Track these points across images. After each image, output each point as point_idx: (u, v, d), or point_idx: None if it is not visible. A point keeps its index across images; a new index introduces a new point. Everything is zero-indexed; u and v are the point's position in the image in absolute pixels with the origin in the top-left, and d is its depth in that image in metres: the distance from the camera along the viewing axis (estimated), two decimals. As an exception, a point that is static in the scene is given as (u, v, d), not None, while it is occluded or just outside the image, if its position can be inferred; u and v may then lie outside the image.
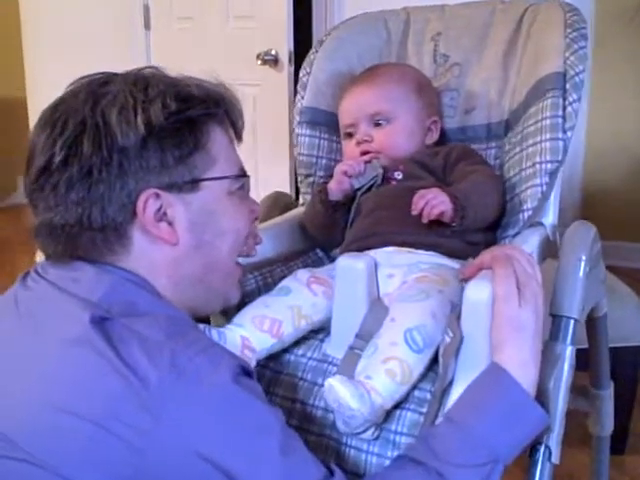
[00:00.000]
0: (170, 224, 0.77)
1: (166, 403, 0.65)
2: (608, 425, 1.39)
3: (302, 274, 0.98)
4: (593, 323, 1.20)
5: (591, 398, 1.36)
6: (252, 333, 0.90)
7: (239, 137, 0.87)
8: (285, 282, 0.98)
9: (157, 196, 0.76)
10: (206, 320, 0.98)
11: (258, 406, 0.70)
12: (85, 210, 0.74)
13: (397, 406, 0.85)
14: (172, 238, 0.78)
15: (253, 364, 0.90)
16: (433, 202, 0.95)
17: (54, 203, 0.75)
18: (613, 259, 2.64)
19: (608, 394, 1.36)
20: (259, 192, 1.39)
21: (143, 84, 0.77)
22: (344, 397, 0.78)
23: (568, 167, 3.17)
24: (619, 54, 3.09)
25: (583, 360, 1.31)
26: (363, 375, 0.83)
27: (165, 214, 0.77)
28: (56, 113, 0.76)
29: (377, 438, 0.83)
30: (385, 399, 0.81)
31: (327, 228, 1.13)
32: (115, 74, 0.80)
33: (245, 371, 0.71)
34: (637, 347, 1.77)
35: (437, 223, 0.97)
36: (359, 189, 1.09)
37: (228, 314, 0.98)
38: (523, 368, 0.78)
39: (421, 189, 1.03)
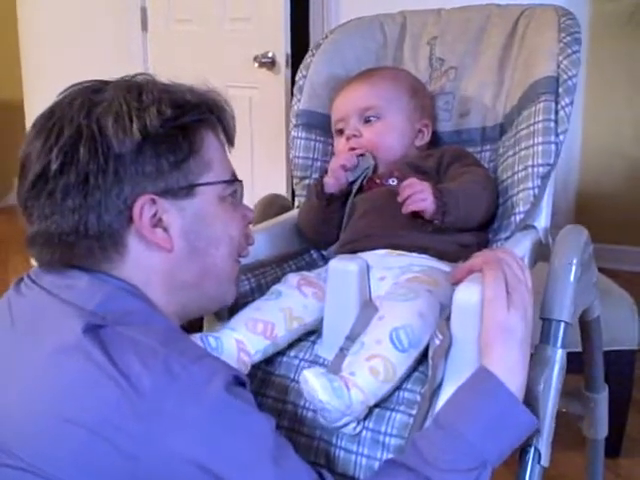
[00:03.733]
0: (165, 230, 0.78)
1: (159, 410, 0.65)
2: (602, 428, 1.39)
3: (292, 277, 0.99)
4: (586, 326, 1.20)
5: (585, 401, 1.36)
6: (246, 336, 0.90)
7: (231, 142, 0.87)
8: (276, 286, 0.98)
9: (153, 202, 0.76)
10: (199, 323, 0.98)
11: (251, 415, 0.70)
12: (82, 217, 0.74)
13: (387, 408, 0.85)
14: (167, 244, 0.78)
15: (249, 368, 0.90)
16: (416, 197, 0.96)
17: (50, 211, 0.75)
18: (608, 262, 2.64)
19: (602, 397, 1.36)
20: (255, 194, 1.39)
21: (137, 91, 0.78)
22: (314, 388, 0.79)
23: (564, 171, 3.18)
24: (614, 57, 3.09)
25: (578, 363, 1.32)
26: (347, 371, 0.83)
27: (161, 220, 0.77)
28: (50, 121, 0.76)
29: (359, 434, 0.84)
30: (367, 396, 0.81)
31: (321, 223, 1.13)
32: (107, 82, 0.80)
33: (239, 381, 0.72)
34: (632, 350, 1.77)
35: (420, 218, 0.98)
36: (353, 182, 1.10)
37: (220, 315, 0.98)
38: (511, 372, 0.78)
39: None
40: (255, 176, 2.63)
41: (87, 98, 0.77)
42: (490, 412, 0.76)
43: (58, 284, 0.76)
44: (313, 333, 0.97)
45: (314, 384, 0.79)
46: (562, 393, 0.86)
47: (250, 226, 0.93)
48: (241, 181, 0.87)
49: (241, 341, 0.90)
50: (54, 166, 0.74)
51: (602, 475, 1.47)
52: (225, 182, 0.83)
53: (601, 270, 1.90)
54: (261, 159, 2.63)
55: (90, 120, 0.75)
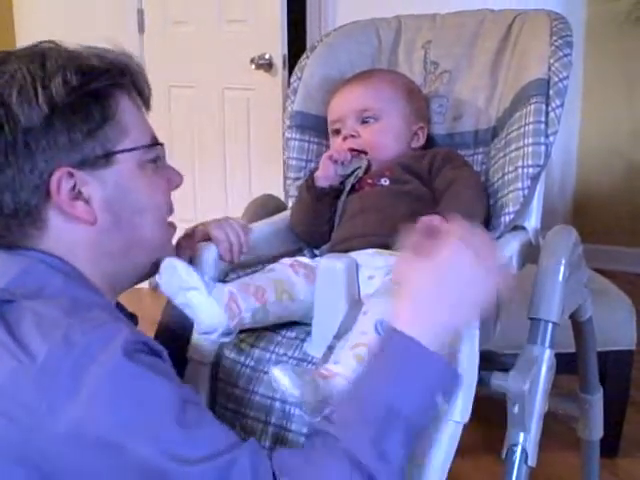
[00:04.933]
0: (87, 202, 0.77)
1: (55, 379, 0.65)
2: (597, 430, 1.39)
3: (285, 259, 1.01)
4: (579, 327, 1.21)
5: (580, 402, 1.36)
6: (239, 292, 0.89)
7: (147, 105, 0.85)
8: (270, 265, 1.00)
9: (70, 175, 0.75)
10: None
11: (151, 381, 0.67)
12: None
13: None
14: (89, 217, 0.77)
15: (235, 322, 0.88)
16: None
17: None
18: (605, 262, 2.65)
19: (597, 399, 1.36)
20: (252, 194, 1.40)
21: (40, 60, 0.74)
22: (283, 384, 0.79)
23: (561, 171, 3.18)
24: (611, 57, 3.09)
25: (573, 364, 1.32)
26: (332, 361, 0.84)
27: (80, 192, 0.76)
28: None
29: None
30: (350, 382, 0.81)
31: (311, 219, 1.14)
32: (9, 52, 0.77)
33: (150, 348, 0.70)
34: (630, 351, 1.77)
35: None
36: (345, 177, 1.10)
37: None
38: (421, 323, 0.73)
39: (407, 193, 1.05)
40: (252, 176, 2.65)
41: None
42: (394, 363, 0.72)
43: None
44: (302, 331, 0.97)
45: (282, 380, 0.79)
46: (557, 394, 0.86)
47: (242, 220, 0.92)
48: (162, 144, 0.85)
49: (234, 293, 0.89)
50: None
51: (598, 476, 1.47)
52: (144, 147, 0.81)
53: (598, 271, 1.91)
54: (258, 160, 2.64)
55: None
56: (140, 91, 0.83)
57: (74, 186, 0.75)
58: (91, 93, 0.75)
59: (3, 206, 0.74)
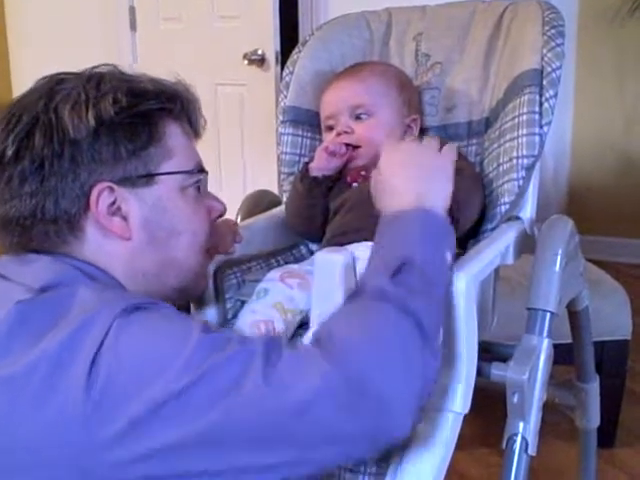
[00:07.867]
0: (124, 219, 0.79)
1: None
2: (594, 419, 1.40)
3: (274, 273, 1.00)
4: (575, 316, 1.21)
5: (577, 392, 1.36)
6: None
7: (197, 134, 0.88)
8: (260, 285, 0.99)
9: (111, 190, 0.77)
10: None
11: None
12: (39, 202, 0.76)
13: None
14: (125, 233, 0.79)
15: None
16: None
17: (9, 196, 0.77)
18: (599, 253, 2.66)
19: (593, 387, 1.36)
20: (246, 190, 1.40)
21: (97, 80, 0.79)
22: None
23: (555, 163, 3.19)
24: (604, 49, 3.11)
25: (569, 354, 1.32)
26: None
27: (119, 209, 0.78)
28: (12, 110, 0.78)
29: None
30: None
31: (305, 210, 1.13)
32: (72, 73, 0.81)
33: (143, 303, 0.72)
34: (625, 340, 1.79)
35: None
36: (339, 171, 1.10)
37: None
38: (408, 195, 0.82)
39: None
40: (246, 172, 2.64)
41: (49, 88, 0.79)
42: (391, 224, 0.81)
43: (15, 268, 0.77)
44: (301, 325, 0.97)
45: None
46: (554, 384, 0.86)
47: (238, 222, 0.93)
48: (206, 172, 0.87)
49: None
50: (9, 152, 0.76)
51: (595, 465, 1.48)
52: (186, 172, 0.83)
53: (592, 262, 1.92)
54: (252, 156, 2.64)
55: (48, 108, 0.76)
56: (190, 118, 0.86)
57: (114, 201, 0.78)
58: (139, 114, 0.79)
59: (45, 211, 0.76)
